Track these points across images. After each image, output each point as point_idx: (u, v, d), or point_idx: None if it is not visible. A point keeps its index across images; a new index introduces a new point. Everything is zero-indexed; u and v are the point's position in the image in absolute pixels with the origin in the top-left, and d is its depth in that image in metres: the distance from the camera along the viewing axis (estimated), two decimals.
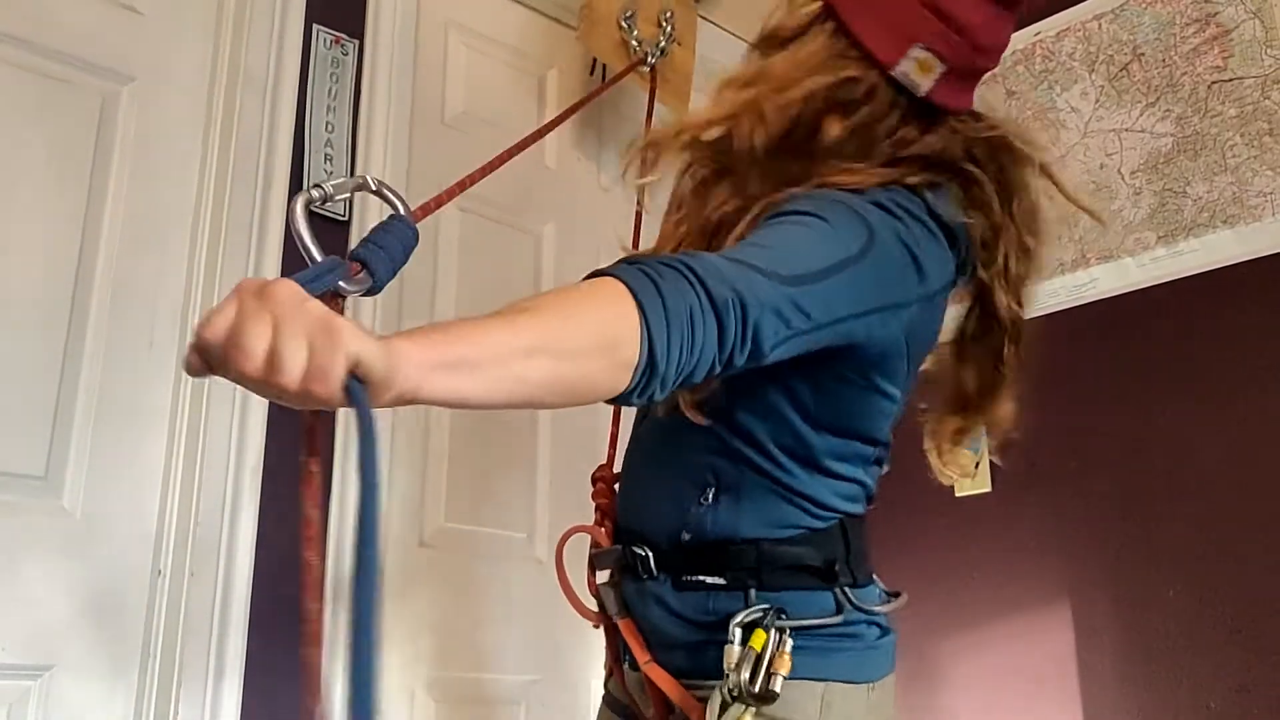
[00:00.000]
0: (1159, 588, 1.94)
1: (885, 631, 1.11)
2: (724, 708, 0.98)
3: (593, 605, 1.23)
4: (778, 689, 0.98)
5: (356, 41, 1.99)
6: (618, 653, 1.20)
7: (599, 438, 2.27)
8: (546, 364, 0.76)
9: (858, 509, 1.13)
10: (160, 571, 1.61)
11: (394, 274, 0.80)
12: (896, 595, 1.14)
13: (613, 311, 0.81)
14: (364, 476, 0.63)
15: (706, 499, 1.09)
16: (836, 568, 1.07)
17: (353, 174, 1.92)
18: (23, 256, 1.58)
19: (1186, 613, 1.90)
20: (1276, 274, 1.92)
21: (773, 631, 1.01)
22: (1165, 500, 1.97)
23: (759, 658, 0.99)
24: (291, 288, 0.65)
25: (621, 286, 0.82)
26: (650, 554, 1.11)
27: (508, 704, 1.96)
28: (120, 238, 1.67)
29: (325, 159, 1.89)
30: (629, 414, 1.28)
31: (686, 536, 1.09)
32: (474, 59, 2.22)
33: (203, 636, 1.59)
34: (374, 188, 0.85)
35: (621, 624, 1.14)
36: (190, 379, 1.68)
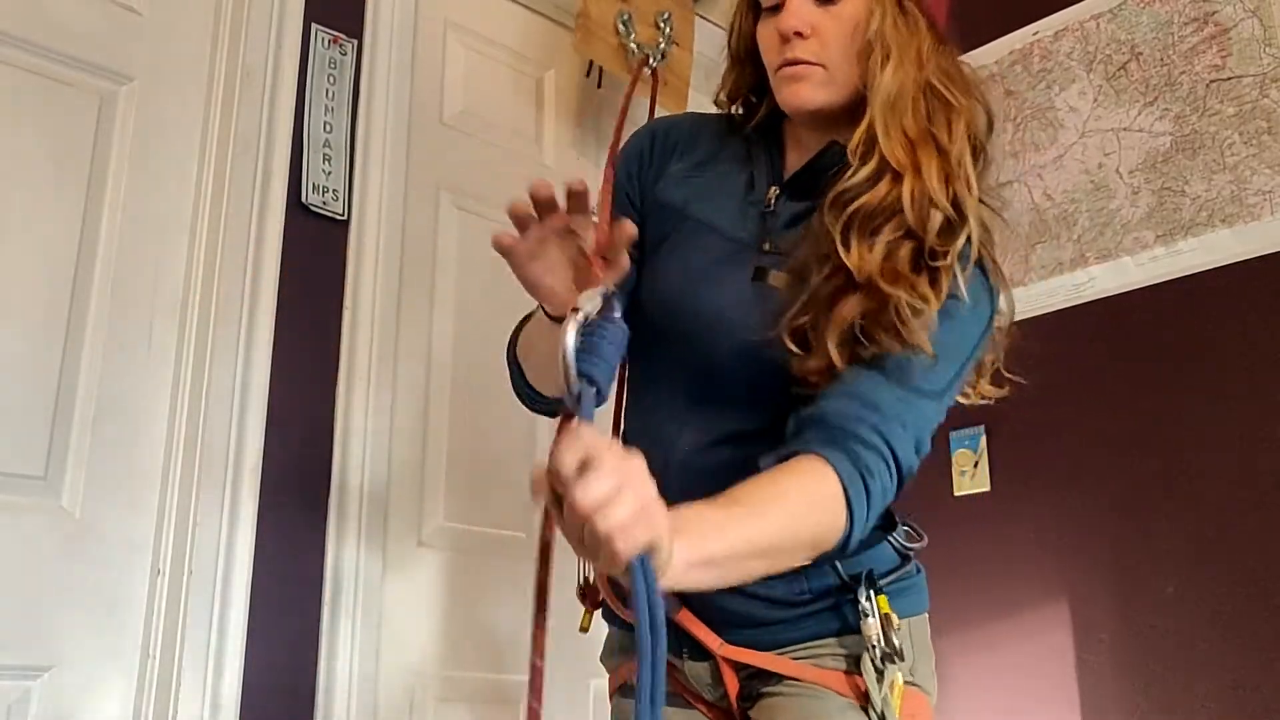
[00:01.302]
0: (1157, 586, 1.94)
1: (919, 567, 1.21)
2: (879, 673, 1.08)
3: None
4: (900, 642, 1.09)
5: (355, 41, 1.99)
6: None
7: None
8: (768, 564, 0.93)
9: None
10: (159, 571, 1.61)
11: (613, 374, 0.89)
12: (906, 524, 1.21)
13: (828, 519, 0.96)
14: (646, 648, 0.74)
15: None
16: (896, 518, 1.18)
17: (351, 174, 1.93)
18: (21, 256, 1.58)
19: (1185, 611, 1.90)
20: (1275, 273, 1.92)
21: (884, 594, 1.11)
22: (1164, 499, 1.97)
23: (890, 619, 1.10)
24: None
25: (838, 489, 0.96)
26: None
27: (507, 703, 1.96)
28: (119, 238, 1.67)
29: (324, 159, 1.89)
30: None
31: None
32: (472, 59, 2.22)
33: (202, 636, 1.59)
34: (608, 297, 0.90)
35: (681, 616, 1.14)
36: (187, 379, 1.68)
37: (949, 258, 1.06)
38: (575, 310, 0.85)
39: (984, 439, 2.21)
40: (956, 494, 2.23)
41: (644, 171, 1.27)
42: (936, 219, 1.06)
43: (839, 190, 1.09)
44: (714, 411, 1.14)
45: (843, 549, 0.98)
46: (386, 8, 2.04)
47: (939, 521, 2.18)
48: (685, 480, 1.18)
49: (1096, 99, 2.19)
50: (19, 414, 1.53)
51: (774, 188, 1.19)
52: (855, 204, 1.07)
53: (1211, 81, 2.04)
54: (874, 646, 1.08)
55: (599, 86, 2.37)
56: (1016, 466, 2.17)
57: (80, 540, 1.55)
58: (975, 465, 2.21)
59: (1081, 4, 2.25)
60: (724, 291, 1.14)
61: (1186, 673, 1.88)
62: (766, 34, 1.18)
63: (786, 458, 0.99)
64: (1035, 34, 2.29)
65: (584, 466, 0.72)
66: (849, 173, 1.09)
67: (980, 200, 1.11)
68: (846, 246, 1.06)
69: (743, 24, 1.24)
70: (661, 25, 2.27)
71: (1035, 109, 2.26)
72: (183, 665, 1.57)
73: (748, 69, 1.25)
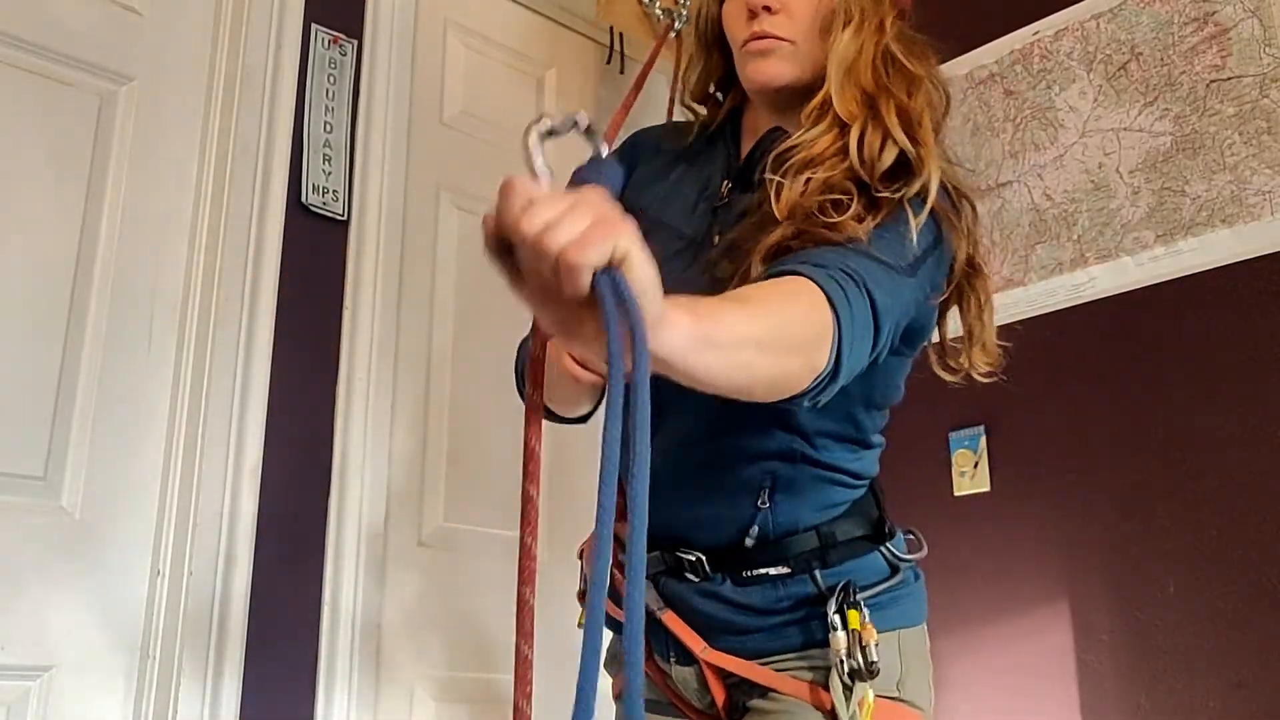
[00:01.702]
0: (1158, 585, 1.94)
1: (918, 574, 1.17)
2: (847, 690, 1.04)
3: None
4: (877, 658, 1.04)
5: (355, 41, 1.99)
6: (648, 651, 1.19)
7: (596, 437, 2.27)
8: (770, 358, 0.82)
9: (877, 468, 1.18)
10: (159, 572, 1.61)
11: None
12: (909, 533, 1.18)
13: (818, 318, 0.86)
14: (616, 348, 0.61)
15: (765, 502, 1.10)
16: (887, 528, 1.14)
17: (351, 174, 1.93)
18: (21, 257, 1.58)
19: (1185, 610, 1.90)
20: (1275, 273, 1.92)
21: (861, 607, 1.06)
22: (1164, 498, 1.97)
23: (859, 635, 1.05)
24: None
25: (820, 294, 0.87)
26: (703, 557, 1.11)
27: (507, 703, 1.96)
28: (119, 238, 1.67)
29: (324, 159, 1.89)
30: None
31: (750, 540, 1.10)
32: (473, 59, 2.22)
33: (201, 636, 1.59)
34: (584, 126, 0.85)
35: (666, 617, 1.13)
36: (187, 381, 1.68)
37: (896, 196, 1.02)
38: (541, 118, 0.83)
39: (984, 439, 2.21)
40: (956, 494, 2.22)
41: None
42: (884, 161, 1.03)
43: (781, 149, 1.07)
44: (684, 412, 1.11)
45: (835, 367, 0.88)
46: (386, 8, 2.05)
47: (939, 521, 2.19)
48: (663, 483, 1.19)
49: (1096, 99, 2.19)
50: (19, 414, 1.53)
51: (726, 181, 1.18)
52: (795, 157, 1.05)
53: (1211, 81, 2.04)
54: (841, 661, 1.04)
55: (621, 72, 2.37)
56: (1016, 466, 2.16)
57: (80, 540, 1.55)
58: (975, 465, 2.21)
59: (1081, 4, 2.24)
60: (673, 288, 1.14)
61: (1187, 672, 1.88)
62: (734, 10, 1.17)
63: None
64: (1035, 34, 2.29)
65: (530, 204, 0.65)
66: (797, 133, 1.08)
67: (948, 180, 1.09)
68: (778, 196, 1.03)
69: (708, 8, 1.23)
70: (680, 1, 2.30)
71: (1035, 109, 2.26)
72: (183, 665, 1.57)
73: (714, 56, 1.25)
